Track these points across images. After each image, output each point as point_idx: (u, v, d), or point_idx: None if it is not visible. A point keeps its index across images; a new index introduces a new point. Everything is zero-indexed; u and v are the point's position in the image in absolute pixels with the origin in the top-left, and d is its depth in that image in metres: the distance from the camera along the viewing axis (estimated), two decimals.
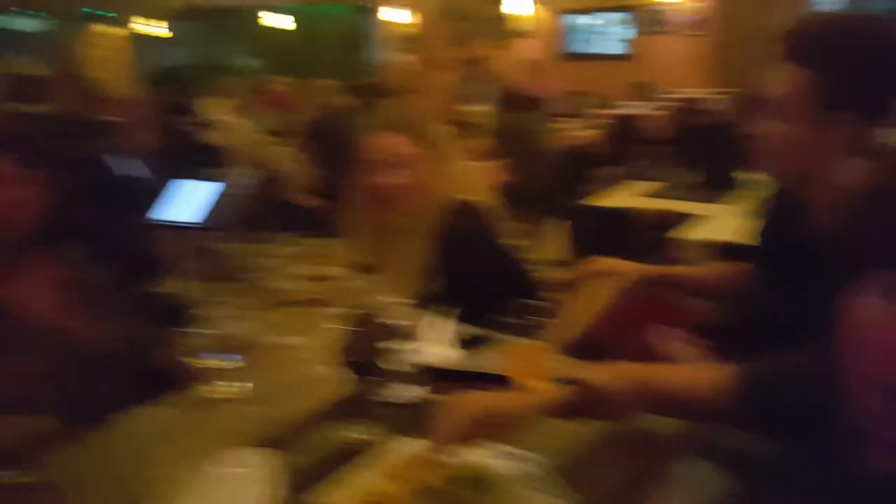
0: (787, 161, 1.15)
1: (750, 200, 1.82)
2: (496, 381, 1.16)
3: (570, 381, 0.93)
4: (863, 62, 1.04)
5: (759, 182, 2.21)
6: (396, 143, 1.66)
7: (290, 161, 5.89)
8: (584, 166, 5.32)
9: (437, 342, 1.39)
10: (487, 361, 1.32)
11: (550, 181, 4.62)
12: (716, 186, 2.96)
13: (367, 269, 1.17)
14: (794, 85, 1.07)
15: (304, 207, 5.86)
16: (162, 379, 1.50)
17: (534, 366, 1.14)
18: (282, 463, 1.02)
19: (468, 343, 1.39)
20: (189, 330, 1.26)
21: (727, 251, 1.96)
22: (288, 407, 1.23)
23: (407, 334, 1.45)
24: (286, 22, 11.17)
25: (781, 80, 1.09)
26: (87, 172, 2.28)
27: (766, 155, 1.17)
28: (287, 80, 10.31)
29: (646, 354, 1.54)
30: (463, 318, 1.45)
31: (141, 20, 6.67)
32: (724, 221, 2.44)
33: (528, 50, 9.29)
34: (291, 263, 5.31)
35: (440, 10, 4.47)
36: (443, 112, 7.26)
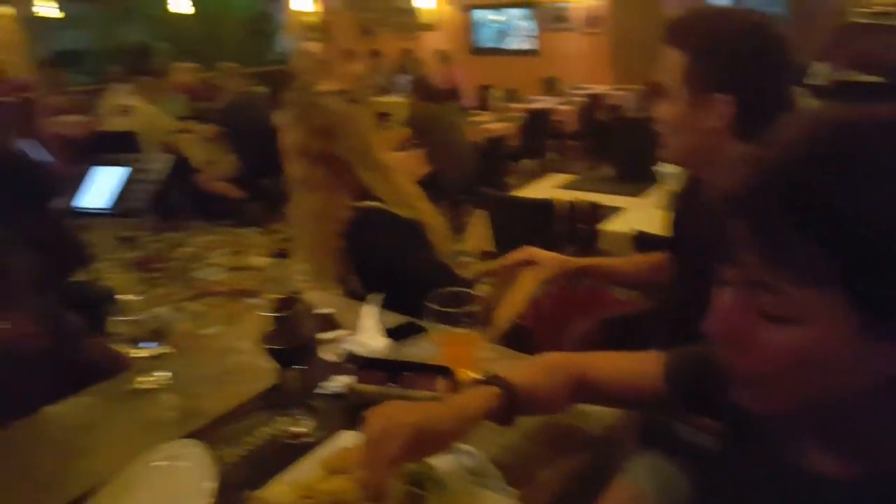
0: (678, 143, 1.23)
1: (665, 192, 1.92)
2: (425, 370, 1.15)
3: (496, 381, 0.91)
4: (734, 47, 1.13)
5: (674, 174, 2.33)
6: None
7: (200, 147, 5.66)
8: (499, 158, 5.40)
9: (362, 330, 1.37)
10: (415, 350, 1.32)
11: (468, 172, 4.67)
12: (630, 178, 3.07)
13: (286, 256, 1.13)
14: (674, 68, 1.17)
15: (219, 195, 5.66)
16: (88, 369, 1.45)
17: (464, 355, 1.14)
18: (209, 455, 0.99)
19: (393, 331, 1.38)
20: (111, 318, 1.18)
21: (646, 242, 2.04)
22: (211, 398, 1.20)
23: (330, 321, 1.43)
24: (187, 6, 10.66)
25: (665, 64, 1.19)
26: None
27: (661, 139, 1.24)
28: (191, 66, 9.87)
29: (573, 343, 1.58)
30: (386, 305, 1.44)
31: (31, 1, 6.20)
32: (641, 213, 2.53)
33: (435, 43, 9.33)
34: (210, 252, 5.13)
35: (344, 0, 4.43)
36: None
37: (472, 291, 1.14)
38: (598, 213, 2.61)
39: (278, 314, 1.06)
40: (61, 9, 6.36)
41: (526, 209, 2.74)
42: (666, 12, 7.26)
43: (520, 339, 1.44)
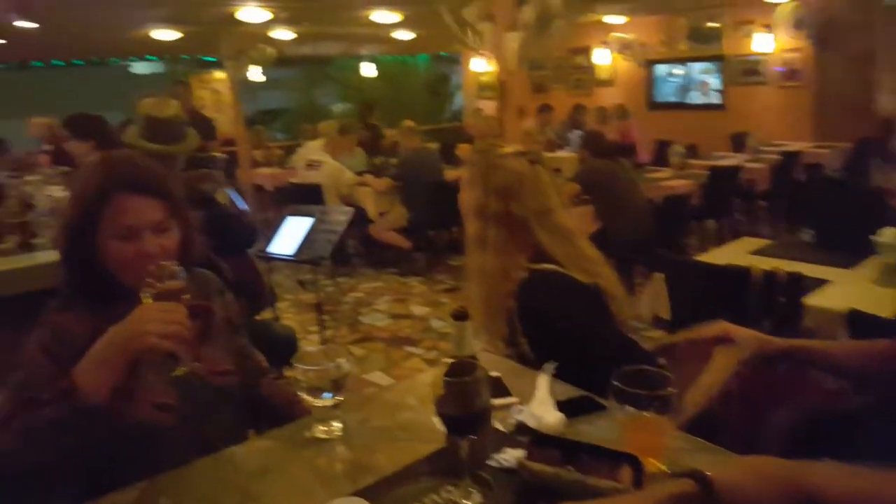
0: None
1: (887, 266, 1.65)
2: (607, 455, 1.04)
3: (693, 475, 0.81)
4: None
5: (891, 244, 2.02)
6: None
7: (375, 199, 6.02)
8: (678, 217, 5.08)
9: (535, 400, 1.29)
10: (591, 430, 1.21)
11: (641, 230, 4.45)
12: (835, 246, 2.71)
13: (466, 317, 1.09)
14: None
15: (388, 244, 5.98)
16: (268, 408, 1.53)
17: (653, 443, 1.02)
18: None
19: (566, 405, 1.28)
20: (294, 366, 1.23)
21: (863, 323, 1.77)
22: (382, 453, 1.20)
23: (499, 386, 1.37)
24: (372, 70, 11.71)
25: None
26: (207, 207, 2.38)
27: None
28: (373, 124, 10.62)
29: (773, 438, 1.38)
30: (559, 375, 1.35)
31: (240, 66, 7.08)
32: (855, 288, 2.20)
33: (610, 98, 9.22)
34: (376, 298, 5.35)
35: (519, 60, 4.50)
36: None
37: (665, 373, 1.02)
38: (800, 284, 2.30)
39: (453, 379, 1.02)
40: (265, 73, 7.18)
41: (713, 276, 2.49)
42: (878, 67, 6.61)
43: (709, 427, 1.27)
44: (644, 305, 3.07)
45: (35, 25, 5.09)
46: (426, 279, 5.74)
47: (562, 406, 1.28)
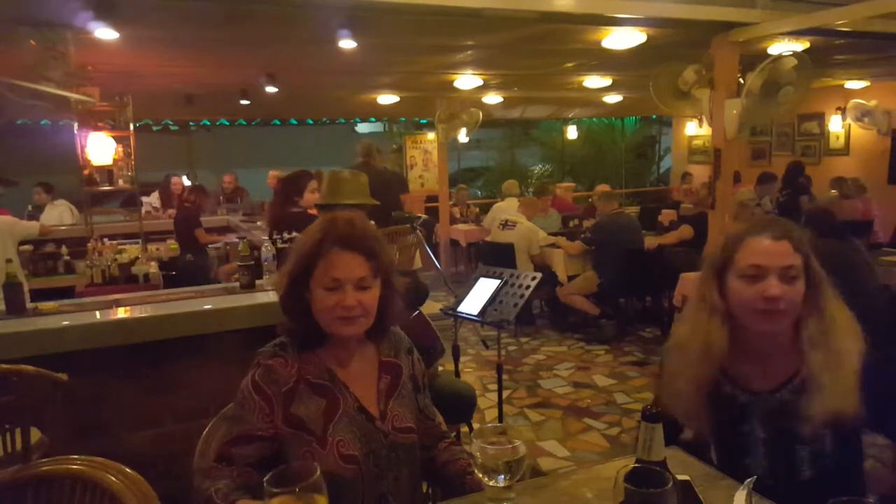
0: None
1: None
2: None
3: None
4: None
5: None
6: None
7: (566, 262, 5.92)
8: None
9: None
10: None
11: (875, 323, 3.83)
12: None
13: (652, 416, 0.96)
14: None
15: (575, 308, 5.81)
16: (443, 477, 1.53)
17: None
18: None
19: None
20: (473, 444, 1.19)
21: None
22: None
23: (688, 492, 1.20)
24: (575, 132, 11.77)
25: None
26: None
27: None
28: (570, 185, 10.58)
29: None
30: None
31: (451, 128, 7.52)
32: None
33: (844, 169, 8.23)
34: (558, 363, 5.18)
35: (739, 128, 4.18)
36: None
37: None
38: None
39: (637, 489, 0.90)
40: (469, 134, 7.54)
41: None
42: None
43: None
44: None
45: (277, 90, 5.87)
46: (612, 348, 5.46)
47: None
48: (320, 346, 1.41)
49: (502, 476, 1.17)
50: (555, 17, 3.75)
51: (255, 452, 1.33)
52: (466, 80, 6.57)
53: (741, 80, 4.46)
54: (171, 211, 7.31)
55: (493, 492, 1.21)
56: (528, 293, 2.90)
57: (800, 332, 1.37)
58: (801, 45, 4.73)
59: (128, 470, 1.26)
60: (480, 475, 1.19)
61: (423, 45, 4.91)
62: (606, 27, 4.26)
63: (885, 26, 4.26)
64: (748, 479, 1.18)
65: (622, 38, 4.44)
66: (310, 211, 3.42)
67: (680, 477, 1.24)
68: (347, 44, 3.88)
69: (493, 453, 1.17)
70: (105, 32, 3.22)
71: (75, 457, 1.29)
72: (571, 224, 6.92)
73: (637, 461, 1.00)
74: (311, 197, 3.46)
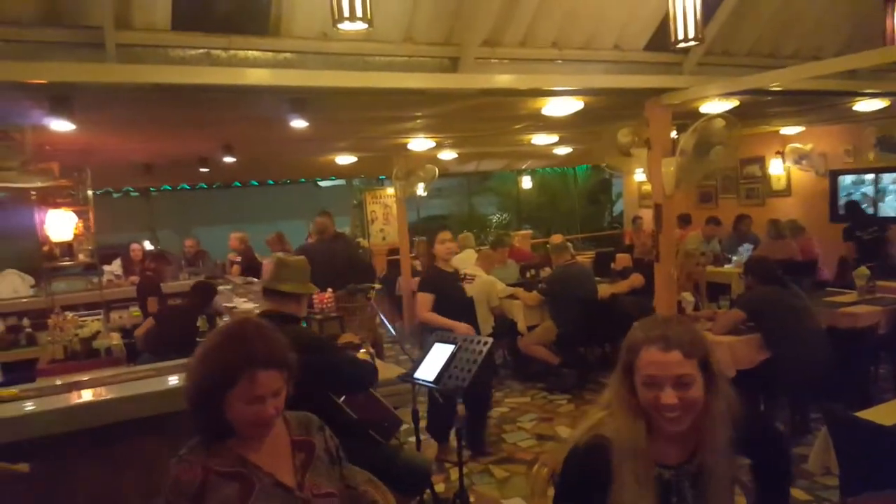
0: None
1: None
2: None
3: None
4: None
5: None
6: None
7: (525, 313, 6.02)
8: (861, 355, 4.42)
9: None
10: None
11: (817, 365, 3.99)
12: None
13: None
14: None
15: (537, 358, 5.89)
16: None
17: None
18: None
19: None
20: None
21: None
22: None
23: None
24: (529, 182, 12.15)
25: None
26: (325, 353, 2.69)
27: None
28: (527, 233, 10.80)
29: None
30: None
31: (408, 184, 7.76)
32: None
33: (787, 210, 8.60)
34: (521, 415, 5.20)
35: (676, 184, 4.47)
36: (687, 272, 6.94)
37: None
38: None
39: None
40: (427, 189, 7.83)
41: (885, 439, 2.14)
42: None
43: None
44: (813, 456, 2.74)
45: (235, 160, 6.05)
46: (574, 397, 5.56)
47: None
48: (230, 436, 1.48)
49: None
50: (494, 92, 3.97)
51: None
52: (419, 143, 6.81)
53: (675, 138, 4.75)
54: (134, 278, 7.28)
55: None
56: (480, 359, 3.00)
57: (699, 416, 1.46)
58: (731, 104, 5.03)
59: None
60: None
61: (373, 117, 5.11)
62: (545, 97, 4.51)
63: (814, 84, 4.53)
64: None
65: (561, 106, 4.70)
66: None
67: None
68: (299, 123, 4.05)
69: None
70: (61, 125, 3.30)
71: None
72: (529, 275, 7.04)
73: None
74: None
